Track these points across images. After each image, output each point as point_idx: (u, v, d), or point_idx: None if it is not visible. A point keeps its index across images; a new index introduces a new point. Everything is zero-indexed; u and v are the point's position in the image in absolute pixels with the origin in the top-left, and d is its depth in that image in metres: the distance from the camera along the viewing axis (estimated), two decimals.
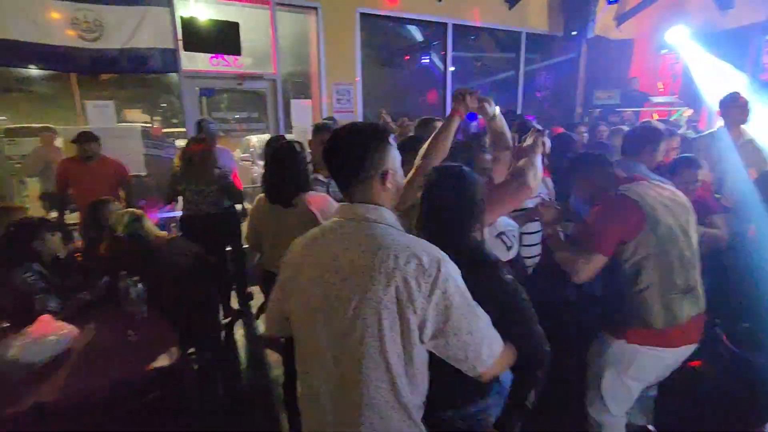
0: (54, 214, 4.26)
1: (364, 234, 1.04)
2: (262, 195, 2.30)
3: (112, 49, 3.91)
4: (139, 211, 2.61)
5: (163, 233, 2.65)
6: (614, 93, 7.07)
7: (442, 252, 1.03)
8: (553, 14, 6.84)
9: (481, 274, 1.18)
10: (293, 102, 5.16)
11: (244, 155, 8.57)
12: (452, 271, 1.02)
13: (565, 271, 1.80)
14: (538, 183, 1.60)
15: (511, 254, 1.92)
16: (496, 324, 1.07)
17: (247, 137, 8.67)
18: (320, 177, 2.63)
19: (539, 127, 1.95)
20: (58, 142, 5.32)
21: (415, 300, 0.97)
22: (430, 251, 1.01)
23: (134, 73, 4.24)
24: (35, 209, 5.02)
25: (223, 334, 3.32)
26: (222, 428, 2.47)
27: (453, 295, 0.99)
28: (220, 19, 4.33)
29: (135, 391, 1.70)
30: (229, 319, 3.58)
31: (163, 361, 1.86)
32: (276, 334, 1.30)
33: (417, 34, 7.34)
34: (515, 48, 6.94)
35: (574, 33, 6.50)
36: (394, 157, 1.11)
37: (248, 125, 6.22)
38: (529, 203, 2.22)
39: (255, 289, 3.87)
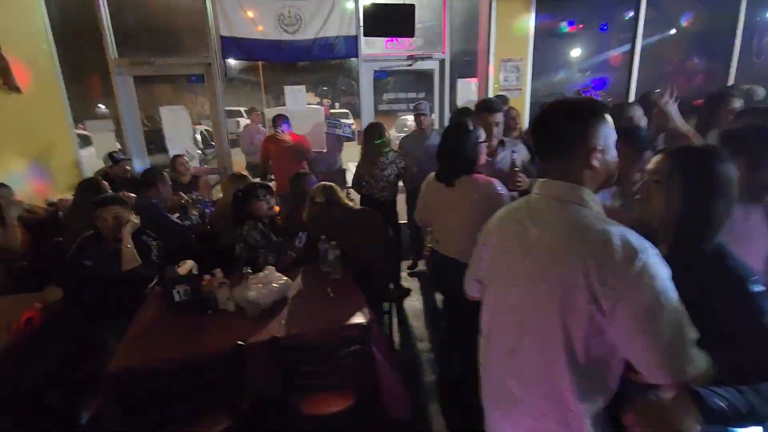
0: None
1: (556, 213, 1.01)
2: (434, 173, 2.36)
3: (307, 39, 4.45)
4: (331, 183, 2.95)
5: (352, 203, 2.95)
6: None
7: (647, 243, 0.90)
8: None
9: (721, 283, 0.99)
10: (459, 81, 5.13)
11: (399, 134, 8.95)
12: (653, 265, 0.88)
13: None
14: None
15: None
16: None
17: (404, 117, 8.98)
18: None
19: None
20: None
21: (598, 291, 0.89)
22: (628, 239, 0.90)
23: (323, 60, 4.74)
24: None
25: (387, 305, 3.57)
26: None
27: (645, 292, 0.86)
28: (397, 2, 4.49)
29: (341, 340, 1.95)
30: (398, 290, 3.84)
31: (358, 318, 2.10)
32: (473, 294, 1.37)
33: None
34: (731, 3, 5.59)
35: None
36: (606, 135, 1.03)
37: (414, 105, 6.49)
38: None
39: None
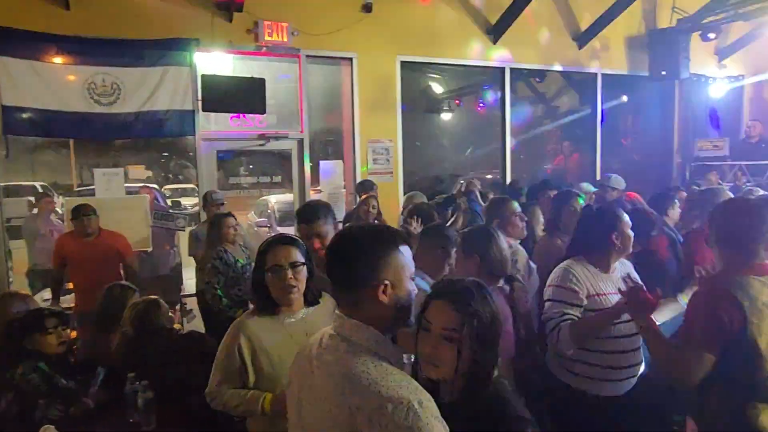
0: (46, 295, 4.76)
1: (340, 357, 1.15)
2: None
3: (128, 113, 4.58)
4: (153, 299, 2.93)
5: (178, 325, 2.97)
6: (722, 142, 7.17)
7: (423, 396, 1.08)
8: (633, 53, 7.21)
9: None
10: (322, 163, 5.66)
11: (260, 220, 9.14)
12: (425, 422, 1.03)
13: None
14: None
15: None
16: None
17: (264, 198, 9.31)
18: None
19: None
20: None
21: None
22: (402, 394, 1.05)
23: (148, 138, 4.87)
24: (20, 283, 5.59)
25: None
26: None
27: None
28: (244, 75, 4.95)
29: None
30: None
31: None
32: None
33: (469, 78, 7.85)
34: (590, 90, 7.30)
35: (663, 73, 6.79)
36: (400, 267, 1.20)
37: (270, 190, 6.87)
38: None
39: None
